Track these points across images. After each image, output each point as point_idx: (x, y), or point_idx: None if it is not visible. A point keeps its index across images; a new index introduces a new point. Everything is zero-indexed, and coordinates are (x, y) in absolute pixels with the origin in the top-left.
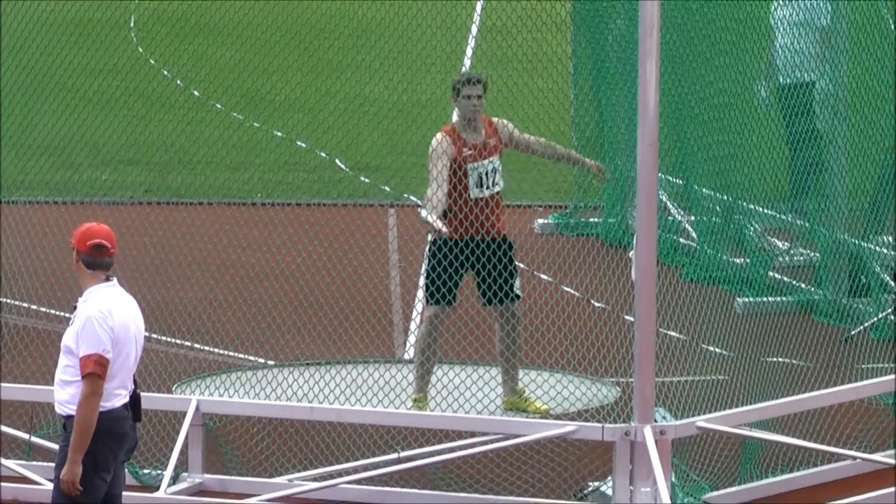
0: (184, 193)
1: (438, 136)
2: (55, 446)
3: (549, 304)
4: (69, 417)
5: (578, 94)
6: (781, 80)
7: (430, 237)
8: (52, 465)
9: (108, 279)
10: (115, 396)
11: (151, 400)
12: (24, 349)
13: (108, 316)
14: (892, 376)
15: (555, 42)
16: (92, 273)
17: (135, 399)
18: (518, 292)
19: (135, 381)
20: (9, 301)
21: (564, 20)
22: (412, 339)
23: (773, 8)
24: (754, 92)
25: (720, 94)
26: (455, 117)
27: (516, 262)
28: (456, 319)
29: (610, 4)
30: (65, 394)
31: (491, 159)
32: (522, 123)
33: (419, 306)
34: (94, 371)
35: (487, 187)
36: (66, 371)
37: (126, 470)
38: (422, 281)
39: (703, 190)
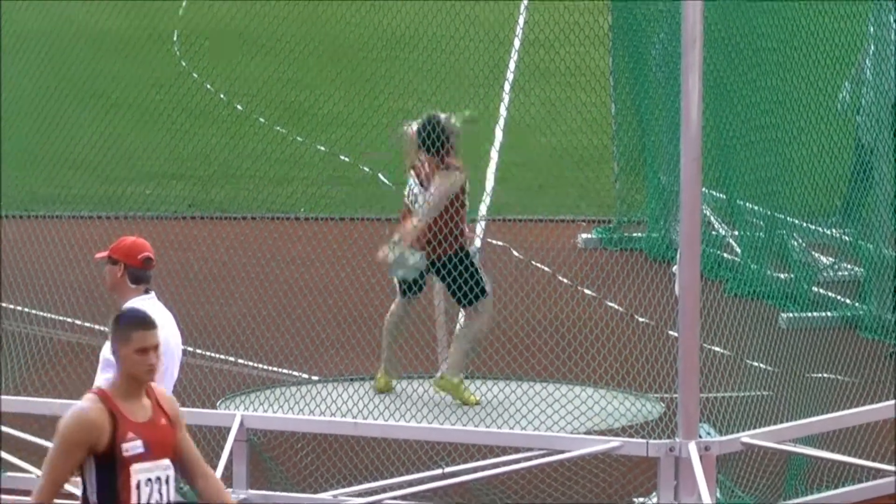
0: (227, 208)
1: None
2: None
3: (593, 319)
4: None
5: (620, 107)
6: (865, 92)
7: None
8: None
9: (146, 292)
10: None
11: (195, 415)
12: (67, 364)
13: None
14: None
15: (598, 56)
16: (135, 287)
17: None
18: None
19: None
20: (50, 315)
21: (606, 34)
22: None
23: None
24: (834, 95)
25: (764, 107)
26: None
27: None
28: (500, 335)
29: (652, 17)
30: None
31: None
32: (565, 136)
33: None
34: None
35: None
36: (104, 384)
37: None
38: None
39: (747, 204)
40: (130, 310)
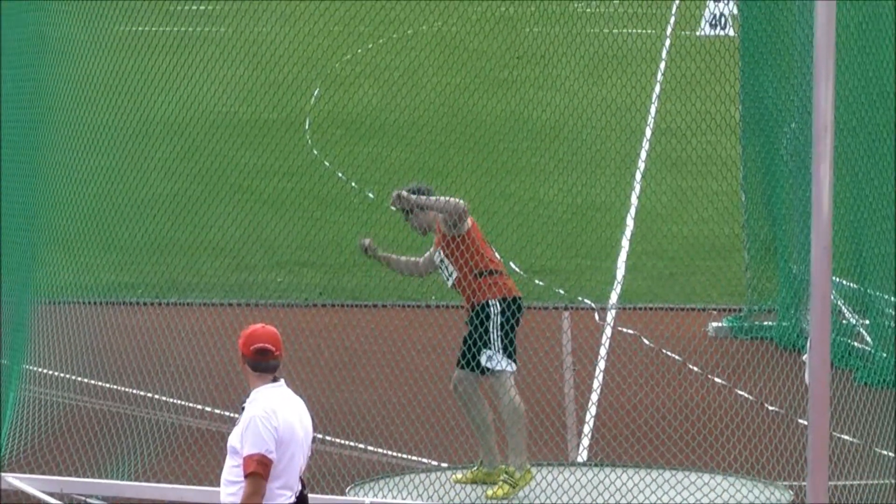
0: (358, 295)
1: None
2: None
3: (723, 407)
4: None
5: (751, 196)
6: None
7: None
8: None
9: (275, 380)
10: (279, 496)
11: (325, 501)
12: (198, 450)
13: (272, 416)
14: None
15: (728, 145)
16: (258, 375)
17: (301, 500)
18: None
19: (302, 482)
20: (180, 402)
21: (737, 123)
22: (586, 441)
23: None
24: None
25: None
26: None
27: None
28: (629, 422)
29: (782, 106)
30: (229, 494)
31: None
32: (696, 225)
33: (593, 409)
34: (256, 471)
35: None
36: (232, 471)
37: None
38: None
39: (878, 293)
40: None
